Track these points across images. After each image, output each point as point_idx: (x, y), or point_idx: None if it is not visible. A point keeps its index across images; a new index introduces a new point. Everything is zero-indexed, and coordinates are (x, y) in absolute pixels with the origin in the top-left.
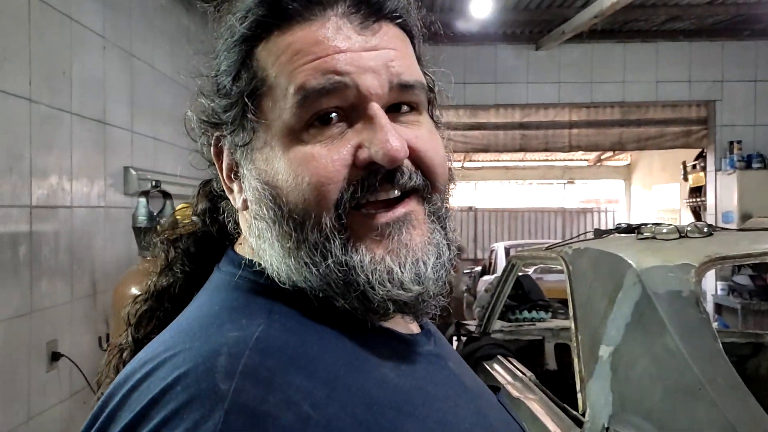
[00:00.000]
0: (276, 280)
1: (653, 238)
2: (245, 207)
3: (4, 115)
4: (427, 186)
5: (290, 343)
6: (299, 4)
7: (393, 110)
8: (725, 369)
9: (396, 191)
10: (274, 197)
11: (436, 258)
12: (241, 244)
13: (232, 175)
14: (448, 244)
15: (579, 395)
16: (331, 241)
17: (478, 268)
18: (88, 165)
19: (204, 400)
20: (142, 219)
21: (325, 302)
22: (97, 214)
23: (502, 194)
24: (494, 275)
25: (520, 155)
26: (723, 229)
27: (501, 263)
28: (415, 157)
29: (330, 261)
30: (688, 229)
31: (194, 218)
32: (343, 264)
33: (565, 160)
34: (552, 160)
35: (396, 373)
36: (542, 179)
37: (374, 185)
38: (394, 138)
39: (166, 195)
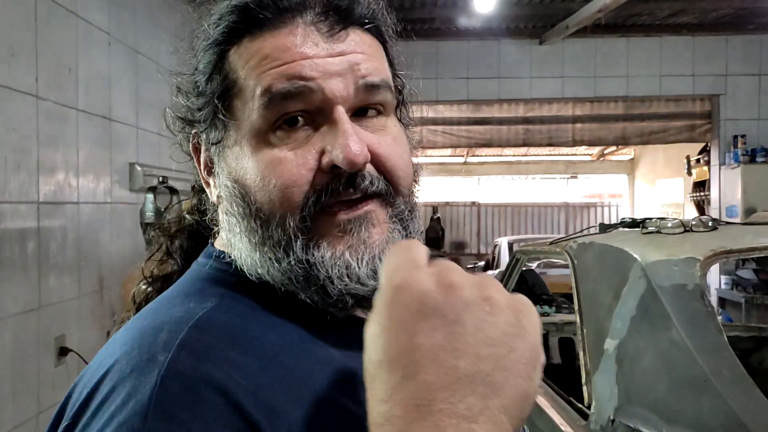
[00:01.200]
0: (244, 271)
1: (658, 232)
2: (219, 202)
3: (12, 112)
4: (390, 191)
5: (232, 324)
6: (269, 12)
7: (360, 114)
8: (730, 361)
9: (358, 193)
10: (243, 195)
11: None
12: (218, 237)
13: (207, 171)
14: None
15: (584, 388)
16: (294, 241)
17: (482, 263)
18: (94, 161)
19: (142, 369)
20: (149, 215)
21: (289, 295)
22: (103, 210)
23: (505, 189)
24: (498, 270)
25: (523, 150)
26: (727, 223)
27: (504, 258)
28: (377, 162)
29: (292, 258)
30: (693, 223)
31: (185, 214)
32: (304, 261)
33: (568, 154)
34: (555, 155)
35: (344, 355)
36: (545, 174)
37: (338, 189)
38: (354, 142)
39: (173, 191)
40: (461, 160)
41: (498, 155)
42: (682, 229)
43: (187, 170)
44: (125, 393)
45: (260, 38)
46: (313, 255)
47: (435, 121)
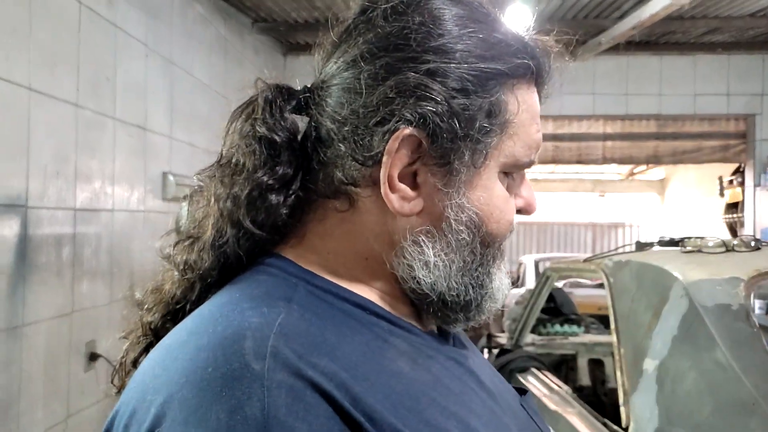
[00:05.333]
0: (307, 279)
1: (699, 251)
2: (409, 214)
3: (53, 120)
4: None
5: (311, 331)
6: (545, 74)
7: None
8: None
9: None
10: (476, 222)
11: None
12: (293, 248)
13: (409, 181)
14: None
15: (622, 408)
16: (496, 261)
17: None
18: (129, 170)
19: (241, 379)
20: (184, 222)
21: (341, 303)
22: (136, 219)
23: None
24: (524, 288)
25: (550, 167)
26: None
27: (530, 276)
28: None
29: (490, 285)
30: (735, 243)
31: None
32: (488, 275)
33: (596, 173)
34: (583, 173)
35: (411, 367)
36: (573, 191)
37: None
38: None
39: (192, 189)
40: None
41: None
42: (723, 249)
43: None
44: (229, 406)
45: (531, 91)
46: (492, 281)
47: None
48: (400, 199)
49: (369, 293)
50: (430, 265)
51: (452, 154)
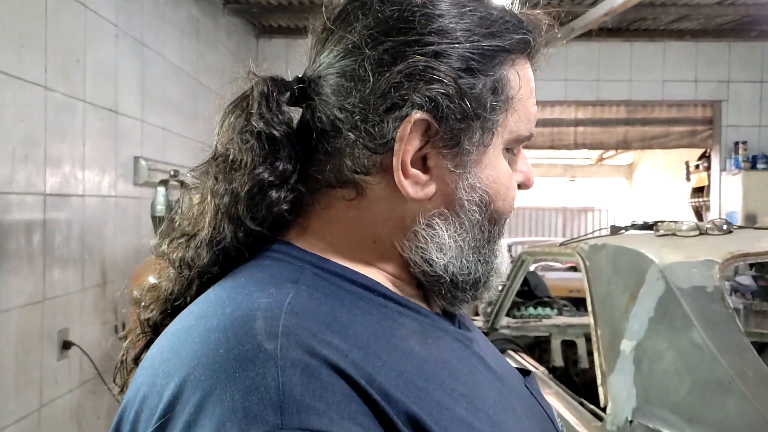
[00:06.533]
0: (312, 262)
1: (673, 234)
2: (424, 198)
3: (22, 103)
4: None
5: (321, 310)
6: (537, 48)
7: None
8: (755, 363)
9: None
10: (486, 201)
11: None
12: (303, 237)
13: (420, 165)
14: None
15: (600, 389)
16: (498, 239)
17: None
18: (99, 154)
19: (254, 360)
20: (160, 208)
21: (348, 284)
22: (108, 204)
23: None
24: None
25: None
26: (740, 227)
27: None
28: None
29: (495, 261)
30: (708, 226)
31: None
32: (495, 252)
33: (567, 158)
34: (554, 158)
35: (421, 347)
36: (544, 176)
37: None
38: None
39: (184, 185)
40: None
41: None
42: (697, 232)
43: (190, 165)
44: (243, 387)
45: (528, 65)
46: (496, 255)
47: None
48: (413, 184)
49: (377, 275)
50: (445, 247)
51: (462, 135)
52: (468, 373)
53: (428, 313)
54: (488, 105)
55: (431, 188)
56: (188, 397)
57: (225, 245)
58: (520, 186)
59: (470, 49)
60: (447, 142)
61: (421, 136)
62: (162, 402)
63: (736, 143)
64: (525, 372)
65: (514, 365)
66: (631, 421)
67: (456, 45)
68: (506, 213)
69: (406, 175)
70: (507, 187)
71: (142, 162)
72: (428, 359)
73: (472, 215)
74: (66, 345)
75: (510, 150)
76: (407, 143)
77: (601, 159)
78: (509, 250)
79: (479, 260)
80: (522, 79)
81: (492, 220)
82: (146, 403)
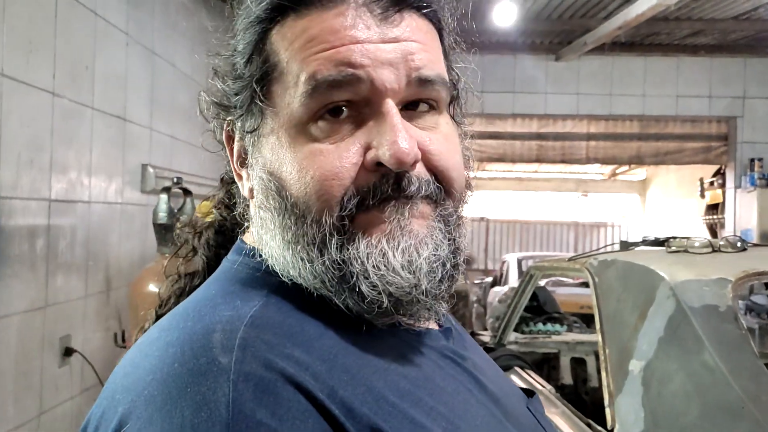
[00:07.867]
0: (277, 272)
1: (685, 251)
2: (251, 195)
3: (29, 108)
4: (441, 191)
5: (287, 323)
6: None
7: (410, 108)
8: None
9: (402, 199)
10: (278, 188)
11: (433, 251)
12: (249, 232)
13: (240, 163)
14: (452, 248)
15: (607, 410)
16: (329, 239)
17: (489, 279)
18: (106, 161)
19: (207, 374)
20: (162, 215)
21: (324, 300)
22: (114, 211)
23: (515, 205)
24: (506, 286)
25: (534, 166)
26: (755, 245)
27: (513, 275)
28: (426, 160)
29: (326, 258)
30: (721, 243)
31: (213, 209)
32: (339, 261)
33: (579, 172)
34: (566, 173)
35: (399, 363)
36: (556, 191)
37: (385, 192)
38: (403, 139)
39: (187, 192)
40: (471, 174)
41: (508, 170)
42: (710, 249)
43: (199, 173)
44: (193, 403)
45: (307, 17)
46: (348, 250)
47: None
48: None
49: None
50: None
51: (235, 129)
52: (453, 392)
53: (412, 330)
54: (239, 92)
55: (247, 185)
56: (140, 413)
57: (204, 254)
58: (382, 165)
59: (237, 46)
60: (240, 139)
61: (230, 138)
62: (116, 417)
63: (752, 160)
64: (530, 393)
65: (521, 385)
66: None
67: (232, 52)
68: (319, 201)
69: (239, 177)
70: (304, 168)
71: (150, 169)
72: (406, 376)
73: (269, 212)
74: (68, 352)
75: (329, 118)
76: (229, 148)
77: (614, 174)
78: (519, 265)
79: (300, 258)
80: (286, 39)
81: (299, 214)
82: (104, 417)
